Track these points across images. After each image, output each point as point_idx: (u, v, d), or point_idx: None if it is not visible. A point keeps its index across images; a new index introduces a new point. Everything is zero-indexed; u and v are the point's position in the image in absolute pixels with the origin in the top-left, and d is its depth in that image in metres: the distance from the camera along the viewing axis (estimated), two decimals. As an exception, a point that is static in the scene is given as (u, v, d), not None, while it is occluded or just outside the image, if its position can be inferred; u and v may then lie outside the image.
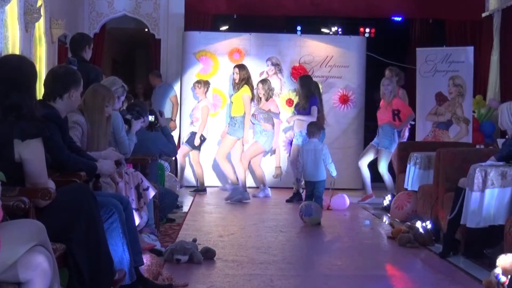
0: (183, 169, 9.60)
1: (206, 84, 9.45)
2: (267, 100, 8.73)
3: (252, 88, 8.60)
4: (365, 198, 8.57)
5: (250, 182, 9.58)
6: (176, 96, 10.24)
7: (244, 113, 8.52)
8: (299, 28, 11.19)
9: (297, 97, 8.83)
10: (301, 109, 8.55)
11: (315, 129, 7.55)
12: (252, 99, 8.60)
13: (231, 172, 8.76)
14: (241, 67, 8.72)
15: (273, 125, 8.69)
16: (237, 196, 8.32)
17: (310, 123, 7.83)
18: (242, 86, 8.55)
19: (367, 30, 11.79)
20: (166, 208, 6.52)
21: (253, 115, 8.66)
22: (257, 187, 9.16)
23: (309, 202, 6.98)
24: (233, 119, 8.61)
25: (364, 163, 8.50)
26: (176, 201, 7.13)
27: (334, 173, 7.37)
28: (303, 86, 8.53)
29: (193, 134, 9.28)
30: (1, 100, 3.09)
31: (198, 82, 9.46)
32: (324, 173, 7.35)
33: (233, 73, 8.74)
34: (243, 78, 8.57)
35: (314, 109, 8.42)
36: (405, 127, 8.63)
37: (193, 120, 9.41)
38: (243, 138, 8.61)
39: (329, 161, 7.33)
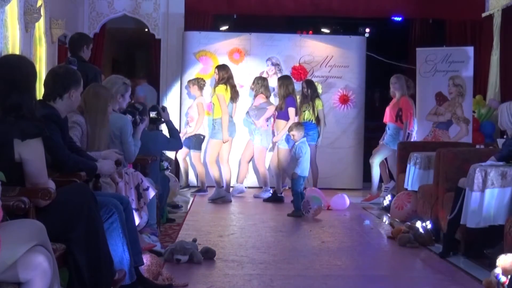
0: (186, 171, 9.55)
1: (199, 81, 9.32)
2: (255, 96, 8.76)
3: (231, 88, 8.31)
4: (370, 198, 8.55)
5: (253, 182, 9.59)
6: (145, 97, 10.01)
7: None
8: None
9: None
10: (278, 109, 8.55)
11: (302, 128, 7.64)
12: (232, 99, 8.30)
13: (217, 175, 8.45)
14: (220, 68, 8.45)
15: (267, 119, 8.63)
16: (219, 196, 8.29)
17: (296, 124, 7.74)
18: (217, 86, 8.30)
19: (367, 30, 11.77)
20: (164, 194, 6.48)
21: (247, 113, 8.77)
22: (260, 187, 9.15)
23: (307, 196, 7.35)
24: (213, 122, 8.35)
25: (376, 162, 8.49)
26: (168, 184, 7.04)
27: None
28: (281, 86, 8.53)
29: (188, 137, 9.23)
30: (1, 100, 3.09)
31: (190, 81, 9.42)
32: None
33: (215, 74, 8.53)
34: (222, 78, 8.29)
35: (291, 110, 8.40)
36: (404, 134, 8.36)
37: (188, 120, 9.36)
38: (225, 137, 8.26)
39: None
